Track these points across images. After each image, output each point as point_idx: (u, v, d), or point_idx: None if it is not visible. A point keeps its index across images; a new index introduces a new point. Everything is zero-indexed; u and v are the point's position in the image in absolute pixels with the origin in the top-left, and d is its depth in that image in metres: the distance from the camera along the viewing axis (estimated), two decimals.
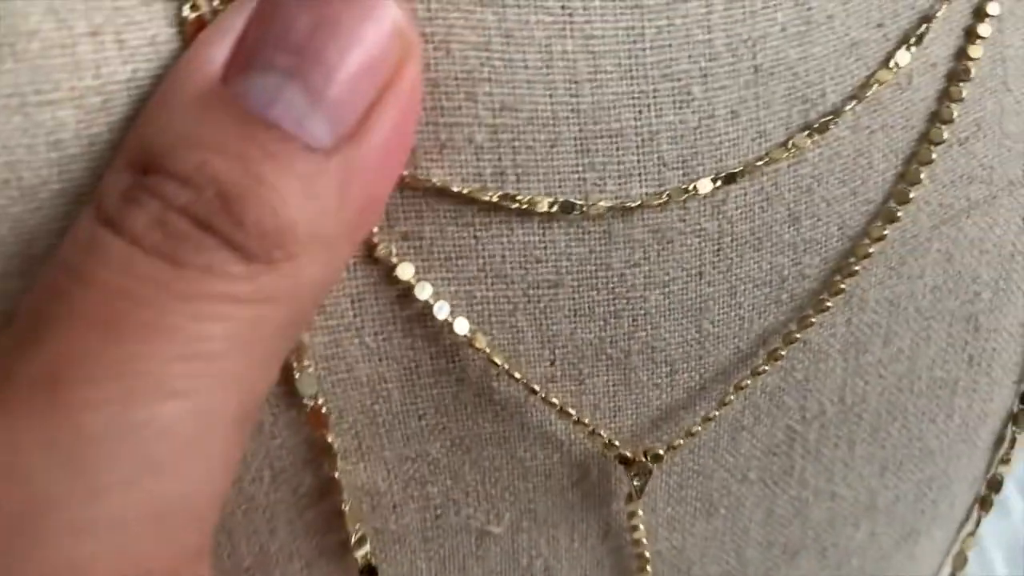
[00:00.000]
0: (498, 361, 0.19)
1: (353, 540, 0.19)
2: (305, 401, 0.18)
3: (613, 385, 0.20)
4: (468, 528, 0.20)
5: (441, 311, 0.18)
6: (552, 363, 0.19)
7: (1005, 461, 0.27)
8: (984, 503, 0.27)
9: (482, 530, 0.21)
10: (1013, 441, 0.27)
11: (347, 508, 0.19)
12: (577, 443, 0.20)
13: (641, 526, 0.22)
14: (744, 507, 0.23)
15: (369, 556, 0.20)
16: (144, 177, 0.14)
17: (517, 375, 0.19)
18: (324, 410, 0.18)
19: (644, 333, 0.20)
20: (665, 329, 0.20)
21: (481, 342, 0.18)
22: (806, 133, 0.19)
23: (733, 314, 0.20)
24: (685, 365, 0.21)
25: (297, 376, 0.18)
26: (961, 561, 0.29)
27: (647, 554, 0.22)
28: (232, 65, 0.15)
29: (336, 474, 0.19)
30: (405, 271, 0.18)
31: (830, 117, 0.19)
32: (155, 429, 0.14)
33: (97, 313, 0.14)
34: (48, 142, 0.16)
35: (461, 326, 0.18)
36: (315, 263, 0.15)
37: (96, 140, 0.16)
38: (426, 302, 0.18)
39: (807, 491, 0.24)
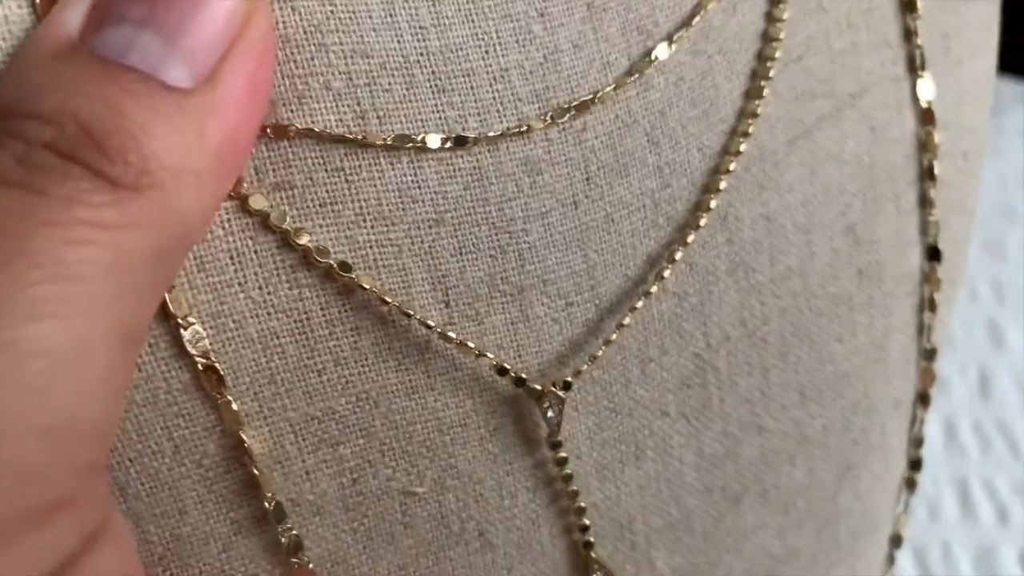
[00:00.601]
0: (388, 300, 0.19)
1: (270, 509, 0.19)
2: (196, 358, 0.18)
3: (512, 323, 0.21)
4: (390, 491, 0.20)
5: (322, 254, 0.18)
6: (447, 304, 0.20)
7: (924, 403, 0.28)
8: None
9: (405, 491, 0.20)
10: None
11: (258, 473, 0.18)
12: (487, 387, 0.20)
13: (570, 471, 0.21)
14: (671, 447, 0.23)
15: (292, 529, 0.19)
16: (3, 122, 0.15)
17: (410, 312, 0.19)
18: (219, 368, 0.18)
19: (533, 267, 0.20)
20: (553, 261, 0.21)
21: (367, 281, 0.19)
22: (647, 59, 0.21)
23: (615, 241, 0.21)
24: (579, 297, 0.21)
25: (184, 333, 0.18)
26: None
27: (583, 504, 0.22)
28: (88, 24, 0.16)
29: (244, 439, 0.18)
30: (279, 218, 0.18)
31: (664, 44, 0.21)
32: (25, 349, 0.14)
33: None
34: None
35: (344, 266, 0.18)
36: (181, 194, 0.16)
37: None
38: (306, 246, 0.18)
39: (731, 425, 0.24)
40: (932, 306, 0.26)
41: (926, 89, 0.25)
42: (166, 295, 0.17)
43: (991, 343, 0.52)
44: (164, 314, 0.18)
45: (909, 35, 0.24)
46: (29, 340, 0.14)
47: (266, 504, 0.19)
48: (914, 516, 0.46)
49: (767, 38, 0.22)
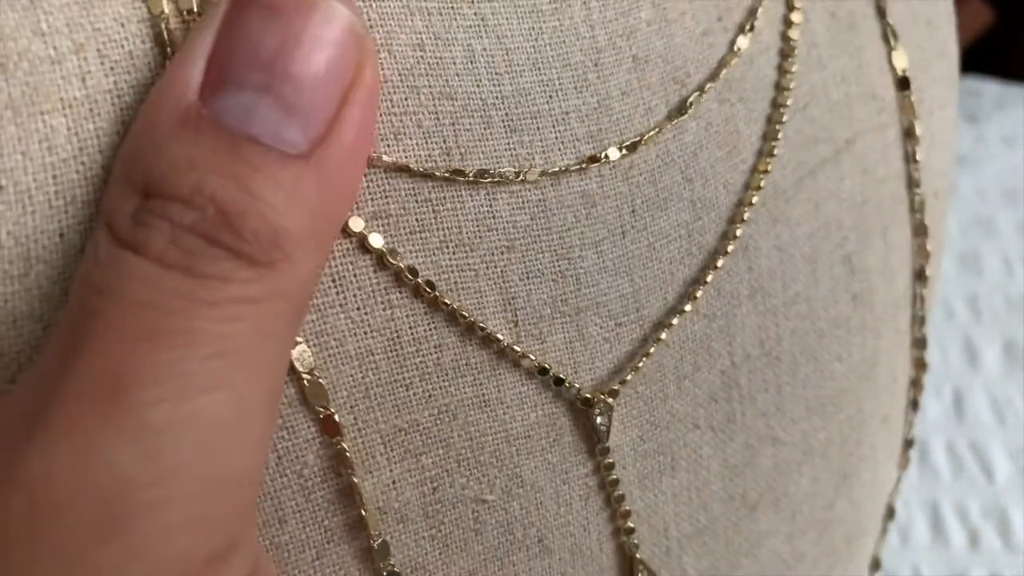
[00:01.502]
0: (467, 315, 0.21)
1: (365, 515, 0.20)
2: (303, 374, 0.19)
3: (570, 342, 0.22)
4: (464, 499, 0.21)
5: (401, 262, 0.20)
6: (515, 324, 0.22)
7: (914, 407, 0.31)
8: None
9: (477, 499, 0.22)
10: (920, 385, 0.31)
11: (357, 481, 0.20)
12: (548, 401, 0.22)
13: (616, 476, 0.23)
14: (702, 458, 0.25)
15: (382, 537, 0.20)
16: (148, 201, 0.16)
17: (488, 327, 0.21)
18: (323, 384, 0.19)
19: (589, 290, 0.23)
20: (605, 285, 0.23)
21: (450, 299, 0.20)
22: (680, 109, 0.23)
23: (656, 268, 0.23)
24: (626, 318, 0.23)
25: (292, 352, 0.19)
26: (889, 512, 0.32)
27: (628, 509, 0.24)
28: (207, 84, 0.17)
29: (345, 449, 0.20)
30: (376, 240, 0.20)
31: (697, 93, 0.24)
32: (204, 418, 0.16)
33: (134, 325, 0.16)
34: (41, 148, 0.17)
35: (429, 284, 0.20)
36: (309, 257, 0.17)
37: (85, 145, 0.18)
38: (398, 265, 0.20)
39: (751, 438, 0.26)
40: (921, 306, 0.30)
41: (921, 152, 0.28)
42: None
43: (966, 362, 0.52)
44: None
45: (905, 107, 0.28)
46: (206, 411, 0.16)
47: (362, 512, 0.20)
48: (886, 541, 0.46)
49: (779, 88, 0.25)
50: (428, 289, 0.20)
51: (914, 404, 0.32)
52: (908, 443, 0.32)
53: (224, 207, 0.16)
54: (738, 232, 0.24)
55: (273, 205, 0.16)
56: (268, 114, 0.16)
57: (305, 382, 0.19)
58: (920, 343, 0.30)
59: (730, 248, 0.24)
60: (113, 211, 0.17)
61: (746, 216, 0.24)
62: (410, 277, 0.20)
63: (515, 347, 0.21)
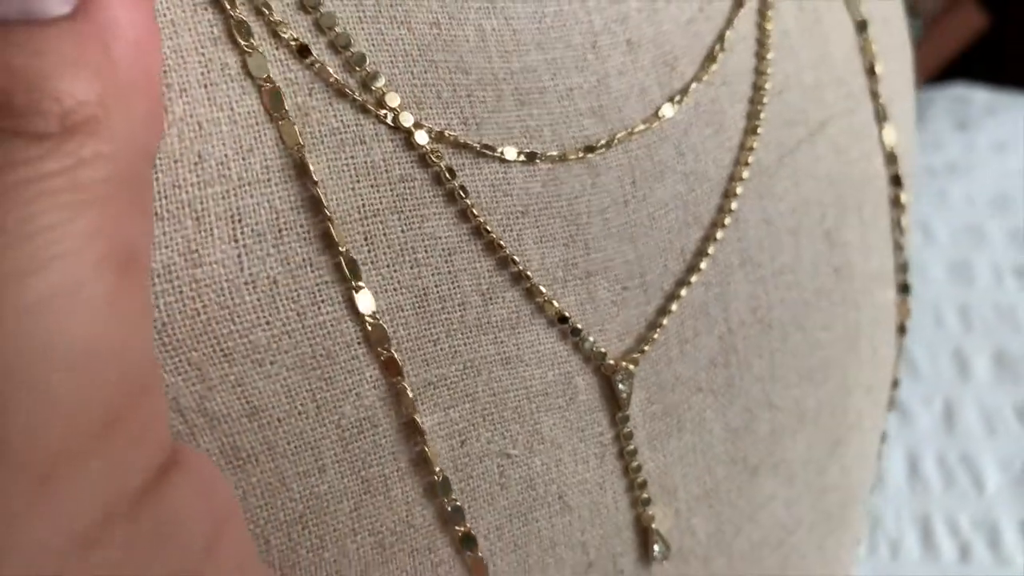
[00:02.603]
0: (517, 261, 0.22)
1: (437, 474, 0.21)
2: (366, 319, 0.20)
3: (582, 304, 0.24)
4: (490, 453, 0.22)
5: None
6: (530, 286, 0.23)
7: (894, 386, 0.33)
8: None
9: (502, 453, 0.22)
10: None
11: (419, 419, 0.21)
12: (565, 360, 0.23)
13: (634, 445, 0.24)
14: (705, 420, 0.26)
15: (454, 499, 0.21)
16: None
17: (529, 273, 0.22)
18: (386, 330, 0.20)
19: (598, 255, 0.24)
20: (611, 250, 0.24)
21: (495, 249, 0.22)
22: (676, 98, 0.25)
23: (656, 236, 0.25)
24: (631, 283, 0.24)
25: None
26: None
27: (641, 466, 0.25)
28: None
29: (405, 385, 0.20)
30: (421, 138, 0.21)
31: (690, 80, 0.25)
32: (28, 300, 0.15)
33: None
34: None
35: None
36: (113, 116, 0.16)
37: None
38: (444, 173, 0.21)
39: (749, 402, 0.27)
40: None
41: (890, 136, 0.30)
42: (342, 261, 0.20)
43: (957, 373, 0.51)
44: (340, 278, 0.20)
45: (874, 95, 0.30)
46: (29, 292, 0.15)
47: (424, 448, 0.21)
48: (876, 554, 0.45)
49: (758, 72, 0.27)
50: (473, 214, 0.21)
51: (895, 383, 0.33)
52: (883, 436, 0.33)
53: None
54: (732, 205, 0.26)
55: (44, 72, 0.15)
56: None
57: (368, 326, 0.20)
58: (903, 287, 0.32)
59: (727, 221, 0.26)
60: None
61: (738, 190, 0.26)
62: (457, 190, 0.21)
63: (541, 288, 0.22)
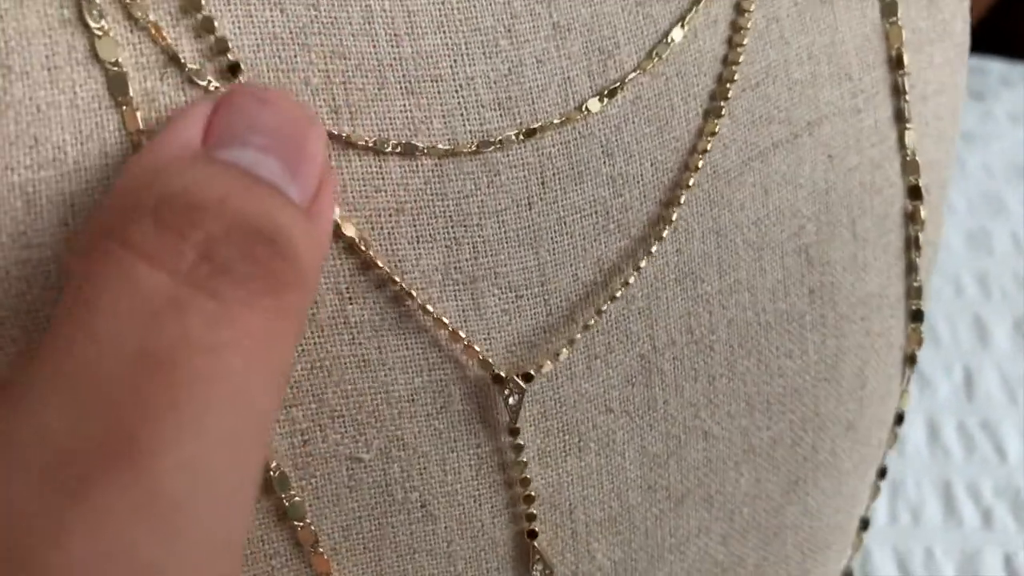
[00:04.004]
0: (380, 264, 0.21)
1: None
2: None
3: (463, 311, 0.22)
4: (337, 455, 0.22)
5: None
6: (403, 287, 0.22)
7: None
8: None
9: (352, 456, 0.22)
10: (908, 379, 0.28)
11: None
12: (436, 367, 0.22)
13: (525, 458, 0.23)
14: (615, 443, 0.24)
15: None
16: (171, 213, 0.16)
17: (396, 277, 0.21)
18: None
19: (486, 260, 0.22)
20: (505, 256, 0.22)
21: (371, 248, 0.21)
22: (608, 91, 0.22)
23: (566, 243, 0.23)
24: (528, 292, 0.23)
25: None
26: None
27: (532, 493, 0.23)
28: (210, 143, 0.18)
29: None
30: None
31: (630, 71, 0.23)
32: (220, 482, 0.15)
33: (149, 364, 0.15)
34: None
35: (350, 229, 0.21)
36: (309, 297, 0.18)
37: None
38: None
39: (676, 428, 0.25)
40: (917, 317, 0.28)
41: (912, 140, 0.26)
42: None
43: (977, 340, 0.51)
44: None
45: (897, 91, 0.26)
46: (222, 471, 0.15)
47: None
48: (897, 521, 0.45)
49: (727, 62, 0.24)
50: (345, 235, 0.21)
51: (899, 419, 0.29)
52: (881, 472, 0.29)
53: (251, 221, 0.16)
54: (673, 214, 0.23)
55: (293, 230, 0.17)
56: (273, 168, 0.17)
57: None
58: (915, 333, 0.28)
59: (666, 232, 0.23)
60: (119, 225, 0.16)
61: (683, 199, 0.23)
62: None
63: (412, 292, 0.21)
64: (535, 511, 0.24)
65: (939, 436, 0.48)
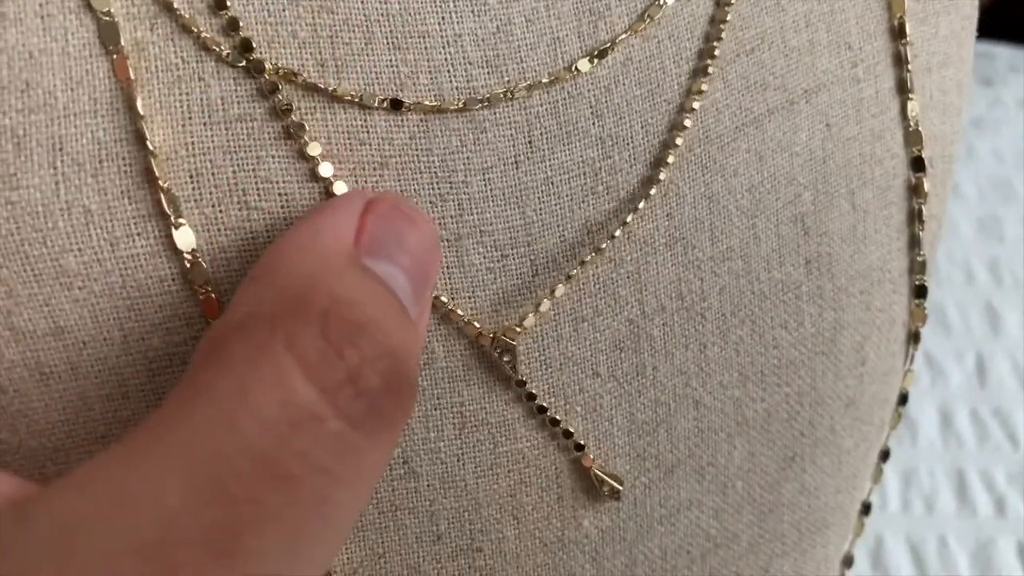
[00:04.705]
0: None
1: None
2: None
3: (448, 268, 0.22)
4: None
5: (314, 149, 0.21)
6: None
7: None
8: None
9: None
10: (912, 357, 0.28)
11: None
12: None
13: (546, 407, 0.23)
14: (602, 408, 0.24)
15: None
16: (335, 329, 0.17)
17: None
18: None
19: (472, 217, 0.22)
20: (491, 214, 0.22)
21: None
22: (598, 52, 0.22)
23: (553, 203, 0.23)
24: (514, 251, 0.23)
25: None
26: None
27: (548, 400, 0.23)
28: (361, 244, 0.19)
29: None
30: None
31: (620, 32, 0.23)
32: None
33: (268, 472, 0.15)
34: None
35: (326, 169, 0.21)
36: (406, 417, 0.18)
37: None
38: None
39: (665, 395, 0.25)
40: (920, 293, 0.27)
41: (915, 111, 0.26)
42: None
43: (988, 327, 0.50)
44: None
45: (899, 61, 0.26)
46: None
47: None
48: (910, 510, 0.44)
49: (714, 21, 0.24)
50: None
51: (903, 399, 0.29)
52: (884, 454, 0.29)
53: (396, 352, 0.17)
54: (662, 175, 0.23)
55: (416, 361, 0.18)
56: (407, 290, 0.19)
57: (187, 263, 0.20)
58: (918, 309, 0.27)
59: (653, 191, 0.23)
60: (286, 323, 0.17)
61: (671, 159, 0.23)
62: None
63: None
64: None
65: (952, 424, 0.48)
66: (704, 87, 0.23)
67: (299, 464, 0.15)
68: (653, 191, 0.23)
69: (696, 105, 0.23)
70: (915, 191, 0.27)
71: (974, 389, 0.48)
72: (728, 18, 0.23)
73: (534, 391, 0.23)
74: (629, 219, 0.23)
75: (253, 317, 0.17)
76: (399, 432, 0.18)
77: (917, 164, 0.26)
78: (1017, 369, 0.49)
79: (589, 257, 0.23)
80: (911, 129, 0.26)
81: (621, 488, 0.24)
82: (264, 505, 0.15)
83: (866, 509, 0.29)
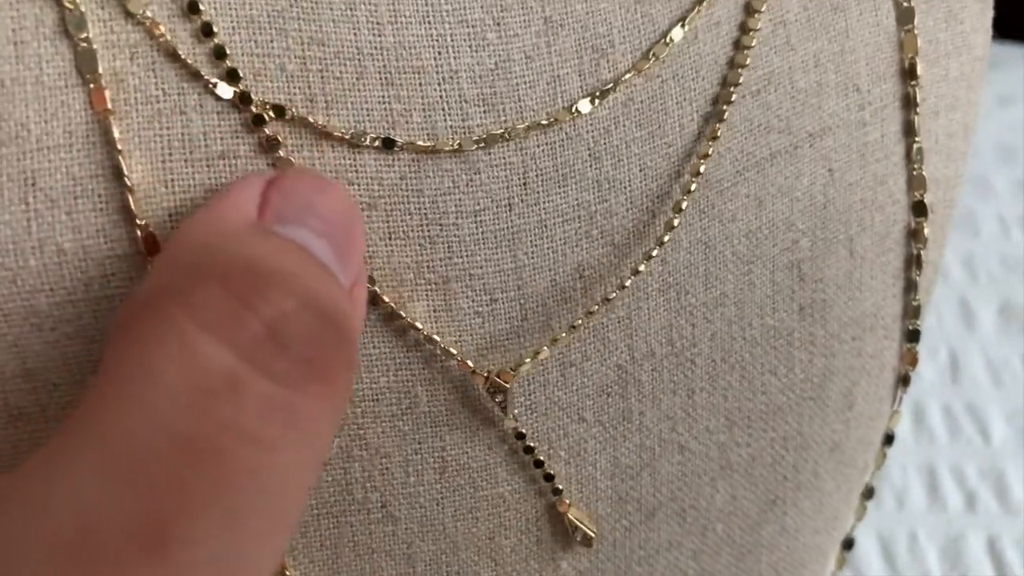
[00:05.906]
0: None
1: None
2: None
3: (435, 311, 0.22)
4: None
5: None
6: (372, 283, 0.21)
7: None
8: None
9: None
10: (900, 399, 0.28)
11: None
12: (405, 368, 0.22)
13: (528, 441, 0.22)
14: (586, 452, 0.24)
15: None
16: (239, 287, 0.16)
17: (375, 282, 0.21)
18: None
19: (461, 260, 0.22)
20: (481, 257, 0.22)
21: None
22: (599, 92, 0.22)
23: (546, 247, 0.22)
24: (504, 295, 0.22)
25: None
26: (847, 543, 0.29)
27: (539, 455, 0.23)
28: (266, 215, 0.17)
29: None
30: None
31: (624, 71, 0.22)
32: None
33: (191, 444, 0.14)
34: None
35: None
36: (349, 387, 0.18)
37: None
38: None
39: (650, 440, 0.24)
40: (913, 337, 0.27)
41: (919, 155, 0.25)
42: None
43: (962, 324, 0.51)
44: None
45: (907, 103, 0.25)
46: (248, 566, 0.15)
47: None
48: (881, 505, 0.45)
49: (733, 65, 0.23)
50: None
51: (888, 440, 0.28)
52: (868, 492, 0.28)
53: (321, 302, 0.16)
54: (676, 222, 0.22)
55: (351, 315, 0.17)
56: (327, 253, 0.17)
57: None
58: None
59: (667, 238, 0.22)
60: (183, 287, 0.16)
61: (684, 205, 0.22)
62: None
63: (376, 290, 0.21)
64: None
65: (924, 420, 0.48)
66: (719, 132, 0.22)
67: (223, 436, 0.14)
68: (667, 237, 0.22)
69: (710, 151, 0.22)
70: (915, 236, 0.26)
71: (946, 385, 0.48)
72: (747, 62, 0.23)
73: (523, 430, 0.23)
74: (642, 268, 0.22)
75: (153, 293, 0.16)
76: (343, 385, 0.16)
77: (919, 209, 0.26)
78: (990, 365, 0.49)
79: (595, 308, 0.22)
80: (915, 173, 0.25)
81: (594, 535, 0.24)
82: (191, 487, 0.14)
83: (847, 545, 0.29)
